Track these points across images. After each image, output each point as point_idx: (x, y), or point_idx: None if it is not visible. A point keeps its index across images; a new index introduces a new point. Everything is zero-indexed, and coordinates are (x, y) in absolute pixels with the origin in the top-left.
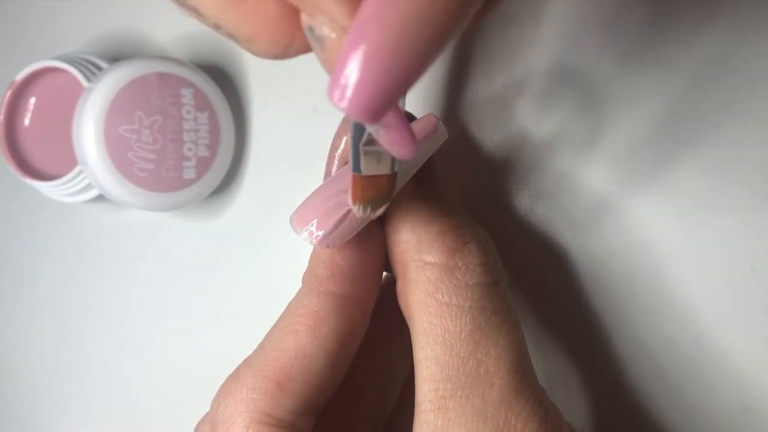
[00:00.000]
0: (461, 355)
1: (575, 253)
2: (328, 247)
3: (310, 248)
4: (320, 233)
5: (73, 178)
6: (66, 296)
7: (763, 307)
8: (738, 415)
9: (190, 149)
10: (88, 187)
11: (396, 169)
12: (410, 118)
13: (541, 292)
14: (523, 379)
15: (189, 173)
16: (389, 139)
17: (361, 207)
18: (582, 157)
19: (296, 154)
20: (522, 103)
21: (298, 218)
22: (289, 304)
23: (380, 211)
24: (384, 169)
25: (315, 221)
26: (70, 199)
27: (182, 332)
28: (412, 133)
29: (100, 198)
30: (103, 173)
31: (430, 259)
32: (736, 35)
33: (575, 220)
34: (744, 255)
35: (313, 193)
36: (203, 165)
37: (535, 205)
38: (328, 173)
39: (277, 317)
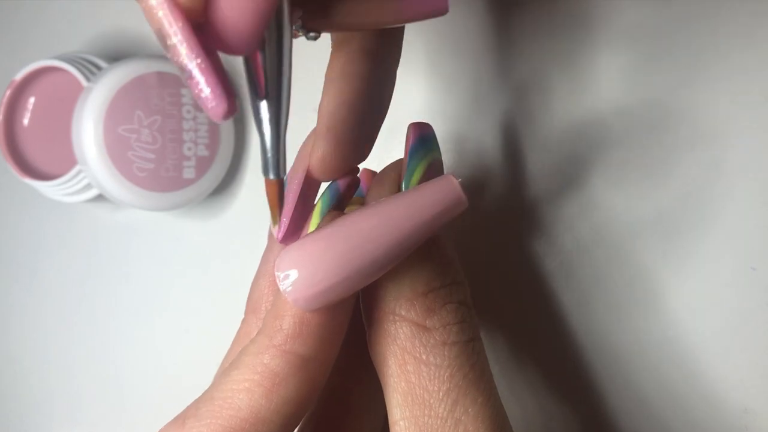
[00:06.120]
0: (440, 414)
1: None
2: (302, 308)
3: None
4: (301, 291)
5: (73, 177)
6: (65, 296)
7: (763, 307)
8: (738, 415)
9: (189, 149)
10: (88, 186)
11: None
12: (437, 170)
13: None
14: None
15: (189, 173)
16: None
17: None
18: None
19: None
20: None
21: (289, 260)
22: (245, 348)
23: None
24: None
25: (301, 274)
26: (69, 198)
27: (182, 332)
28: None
29: (100, 198)
30: (103, 173)
31: (410, 316)
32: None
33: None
34: (744, 255)
35: (313, 234)
36: (203, 165)
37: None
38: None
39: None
